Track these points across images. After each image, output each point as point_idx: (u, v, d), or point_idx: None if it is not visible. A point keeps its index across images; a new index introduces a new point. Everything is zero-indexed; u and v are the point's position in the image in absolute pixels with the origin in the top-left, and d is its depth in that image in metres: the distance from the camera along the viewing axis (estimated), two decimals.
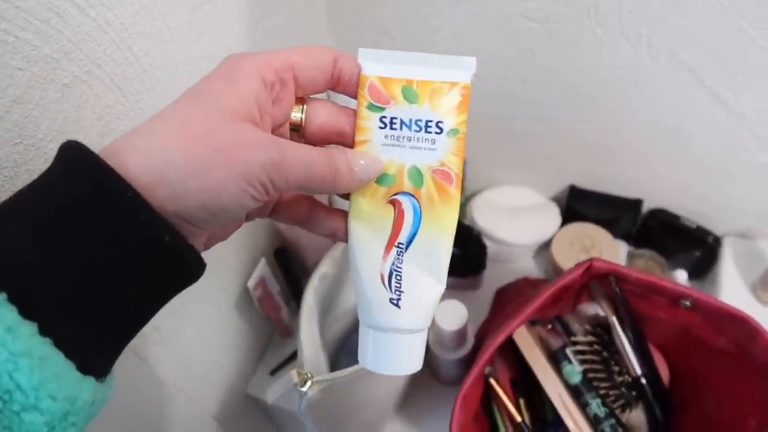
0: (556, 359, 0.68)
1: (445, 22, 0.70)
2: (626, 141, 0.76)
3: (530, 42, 0.68)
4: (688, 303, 0.58)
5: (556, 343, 0.71)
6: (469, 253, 0.82)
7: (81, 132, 0.42)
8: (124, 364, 0.32)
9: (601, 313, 0.70)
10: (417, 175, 0.30)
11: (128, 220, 0.24)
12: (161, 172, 0.24)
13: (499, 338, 0.56)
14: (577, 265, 0.60)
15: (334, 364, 0.74)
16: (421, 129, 0.30)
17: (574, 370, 0.66)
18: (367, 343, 0.33)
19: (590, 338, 0.70)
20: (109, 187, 0.23)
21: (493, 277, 0.88)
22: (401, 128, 0.29)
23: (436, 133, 0.30)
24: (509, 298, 0.84)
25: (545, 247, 0.89)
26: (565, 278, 0.59)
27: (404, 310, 0.31)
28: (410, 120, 0.29)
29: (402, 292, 0.31)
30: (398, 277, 0.31)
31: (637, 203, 0.84)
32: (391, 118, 0.29)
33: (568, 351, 0.68)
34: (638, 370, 0.65)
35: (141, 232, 0.24)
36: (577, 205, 0.86)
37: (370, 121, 0.29)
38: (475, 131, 0.85)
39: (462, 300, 0.87)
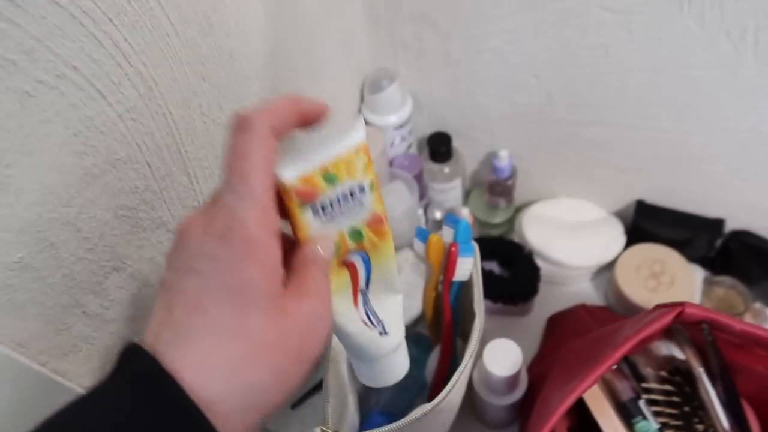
0: (626, 412, 0.57)
1: (503, 13, 0.59)
2: (713, 152, 0.64)
3: (605, 36, 0.57)
4: None
5: (624, 390, 0.60)
6: (519, 277, 0.72)
7: (49, 151, 0.33)
8: None
9: (680, 356, 0.60)
10: (357, 234, 0.34)
11: None
12: (244, 399, 0.25)
13: (565, 404, 0.46)
14: (661, 310, 0.50)
15: (364, 398, 0.65)
16: (348, 199, 0.32)
17: (650, 428, 0.56)
18: (368, 371, 0.39)
19: (667, 387, 0.59)
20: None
21: (545, 301, 0.78)
22: (332, 208, 0.32)
23: (360, 193, 0.33)
24: (566, 329, 0.74)
25: (606, 268, 0.78)
26: (649, 327, 0.48)
27: (391, 333, 0.37)
28: (338, 198, 0.32)
29: (382, 321, 0.37)
30: (373, 312, 0.37)
31: (718, 223, 0.72)
32: (321, 206, 0.31)
33: (641, 403, 0.57)
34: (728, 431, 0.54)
35: None
36: (646, 222, 0.75)
37: (305, 215, 0.31)
38: (530, 137, 0.76)
39: (509, 327, 0.78)
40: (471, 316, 0.56)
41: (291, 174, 0.29)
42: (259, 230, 0.26)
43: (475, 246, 0.57)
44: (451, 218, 0.56)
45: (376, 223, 0.34)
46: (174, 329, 0.25)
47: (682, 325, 0.55)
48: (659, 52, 0.56)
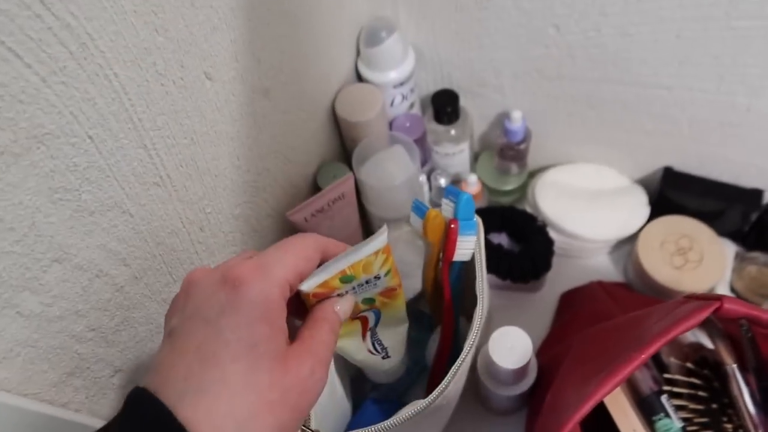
0: (647, 409, 0.52)
1: None
2: (757, 116, 0.56)
3: None
4: None
5: (644, 381, 0.55)
6: (530, 251, 0.65)
7: None
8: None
9: (709, 345, 0.54)
10: (369, 300, 0.39)
11: None
12: None
13: (582, 410, 0.41)
14: (695, 304, 0.43)
15: (359, 382, 0.60)
16: (363, 286, 0.36)
17: (673, 427, 0.51)
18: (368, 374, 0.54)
19: (693, 380, 0.53)
20: None
21: (558, 276, 0.71)
22: (347, 292, 0.36)
23: (375, 280, 0.37)
24: (582, 307, 0.67)
25: (627, 242, 0.71)
26: (679, 326, 0.42)
27: (393, 355, 0.45)
28: (353, 288, 0.36)
29: (386, 348, 0.44)
30: (379, 342, 0.43)
31: (755, 194, 0.65)
32: (338, 294, 0.35)
33: (664, 399, 0.52)
34: None
35: None
36: (673, 192, 0.68)
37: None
38: (546, 96, 0.67)
39: (518, 304, 0.72)
40: (474, 298, 0.49)
41: (309, 284, 0.33)
42: (272, 288, 0.29)
43: (479, 222, 0.49)
44: (451, 190, 0.49)
45: (389, 292, 0.39)
46: (188, 380, 0.26)
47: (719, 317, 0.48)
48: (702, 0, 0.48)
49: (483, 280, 0.49)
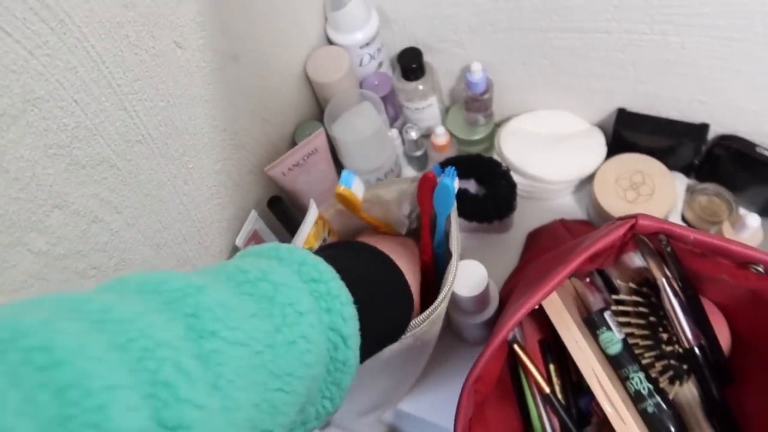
0: (591, 324, 0.58)
1: None
2: (691, 53, 0.60)
3: None
4: (760, 269, 0.46)
5: (595, 301, 0.61)
6: (495, 193, 0.71)
7: None
8: None
9: (647, 265, 0.59)
10: None
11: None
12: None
13: (521, 312, 0.47)
14: (617, 223, 0.49)
15: None
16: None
17: (614, 338, 0.57)
18: None
19: (635, 298, 0.59)
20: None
21: (525, 217, 0.77)
22: None
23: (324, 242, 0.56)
24: (543, 244, 0.73)
25: (588, 181, 0.76)
26: (601, 241, 0.47)
27: None
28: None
29: None
30: None
31: (702, 128, 0.69)
32: None
33: (607, 315, 0.58)
34: (692, 341, 0.54)
35: None
36: (627, 132, 0.72)
37: None
38: (502, 48, 0.72)
39: (489, 244, 0.78)
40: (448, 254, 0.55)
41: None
42: None
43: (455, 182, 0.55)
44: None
45: None
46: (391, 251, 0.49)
47: (647, 236, 0.54)
48: None
49: (456, 236, 0.55)
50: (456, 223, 0.56)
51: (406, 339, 0.50)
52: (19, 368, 0.20)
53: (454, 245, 0.54)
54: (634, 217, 0.47)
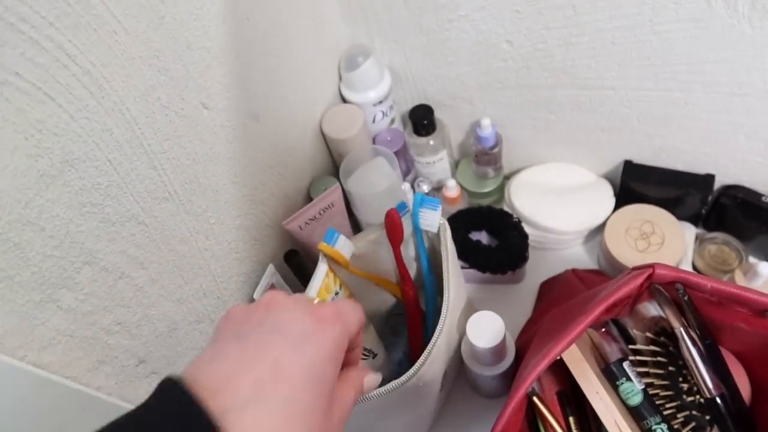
0: (611, 375, 0.58)
1: None
2: (695, 108, 0.63)
3: None
4: None
5: (612, 351, 0.61)
6: (508, 246, 0.72)
7: (2, 156, 0.34)
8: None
9: (664, 314, 0.60)
10: None
11: None
12: None
13: (542, 363, 0.47)
14: (634, 272, 0.50)
15: None
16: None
17: (634, 389, 0.56)
18: None
19: (653, 348, 0.59)
20: None
21: (537, 267, 0.78)
22: None
23: (336, 295, 0.53)
24: (556, 293, 0.74)
25: (598, 231, 0.77)
26: (620, 291, 0.48)
27: (378, 353, 0.55)
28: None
29: (371, 350, 0.57)
30: (366, 349, 0.57)
31: (708, 179, 0.71)
32: None
33: (626, 365, 0.58)
34: (713, 391, 0.54)
35: None
36: (634, 183, 0.74)
37: None
38: (511, 104, 0.75)
39: (502, 295, 0.78)
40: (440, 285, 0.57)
41: None
42: (344, 337, 0.32)
43: (444, 222, 0.57)
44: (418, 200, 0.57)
45: None
46: (257, 389, 0.27)
47: (663, 286, 0.55)
48: (627, 10, 0.55)
49: (451, 270, 0.56)
50: (451, 259, 0.57)
51: (411, 381, 0.50)
52: None
53: (446, 280, 0.55)
54: (651, 266, 0.48)
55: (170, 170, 0.49)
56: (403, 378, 0.49)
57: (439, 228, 0.57)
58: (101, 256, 0.43)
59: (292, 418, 0.27)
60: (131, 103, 0.43)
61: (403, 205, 0.57)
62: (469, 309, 0.66)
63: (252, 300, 0.63)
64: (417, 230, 0.58)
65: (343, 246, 0.55)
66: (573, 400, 0.62)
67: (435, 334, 0.51)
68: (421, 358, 0.50)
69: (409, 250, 0.63)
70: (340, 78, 0.74)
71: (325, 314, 0.31)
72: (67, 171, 0.39)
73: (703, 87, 0.60)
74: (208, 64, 0.51)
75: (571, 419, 0.61)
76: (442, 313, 0.52)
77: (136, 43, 0.42)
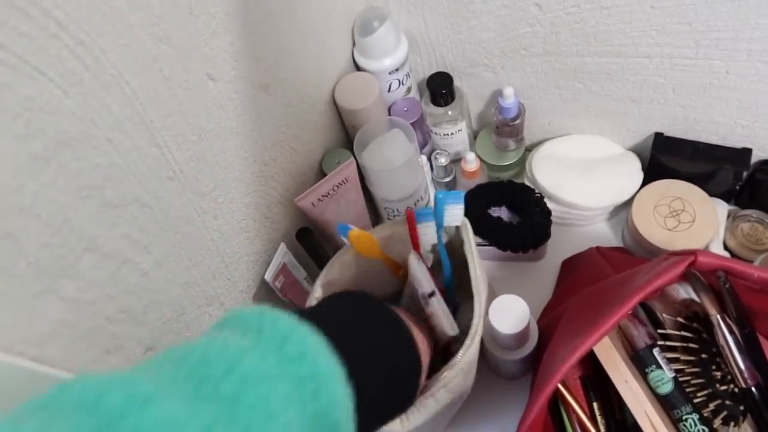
0: (640, 362, 0.55)
1: None
2: (736, 77, 0.58)
3: None
4: None
5: (640, 337, 0.58)
6: (530, 222, 0.69)
7: None
8: None
9: (698, 300, 0.57)
10: None
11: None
12: None
13: (576, 355, 0.44)
14: (672, 259, 0.46)
15: None
16: None
17: (665, 377, 0.54)
18: None
19: (684, 333, 0.56)
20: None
21: (559, 244, 0.74)
22: None
23: None
24: (580, 273, 0.71)
25: (623, 207, 0.74)
26: (658, 279, 0.45)
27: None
28: None
29: None
30: None
31: (745, 153, 0.67)
32: None
33: (656, 352, 0.55)
34: (749, 380, 0.51)
35: None
36: (665, 157, 0.70)
37: None
38: (536, 73, 0.70)
39: (522, 272, 0.75)
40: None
41: None
42: None
43: (467, 224, 0.54)
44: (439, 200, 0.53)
45: None
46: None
47: (700, 271, 0.51)
48: None
49: (478, 273, 0.52)
50: (477, 263, 0.53)
51: (442, 397, 0.48)
52: None
53: (480, 286, 0.52)
54: (693, 253, 0.45)
55: (175, 148, 0.45)
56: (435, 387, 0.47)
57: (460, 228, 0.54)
58: (103, 242, 0.40)
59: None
60: (130, 76, 0.39)
61: (426, 213, 0.53)
62: (491, 295, 0.63)
63: (262, 280, 0.61)
64: (439, 227, 0.55)
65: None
66: (597, 386, 0.60)
67: (467, 341, 0.49)
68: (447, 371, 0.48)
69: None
70: (354, 44, 0.70)
71: None
72: (62, 152, 0.35)
73: (749, 55, 0.55)
74: (214, 31, 0.46)
75: (594, 405, 0.59)
76: (474, 319, 0.49)
77: (134, 9, 0.38)
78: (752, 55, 0.55)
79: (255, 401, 0.27)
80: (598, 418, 0.59)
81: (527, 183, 0.76)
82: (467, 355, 0.48)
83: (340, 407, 0.31)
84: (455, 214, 0.53)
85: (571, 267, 0.73)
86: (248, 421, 0.26)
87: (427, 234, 0.54)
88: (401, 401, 0.42)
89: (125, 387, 0.25)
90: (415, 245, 0.55)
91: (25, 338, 0.36)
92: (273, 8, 0.54)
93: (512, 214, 0.73)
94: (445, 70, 0.72)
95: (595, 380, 0.61)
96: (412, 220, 0.52)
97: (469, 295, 0.53)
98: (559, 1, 0.58)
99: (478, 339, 0.50)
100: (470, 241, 0.53)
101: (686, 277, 0.54)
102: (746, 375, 0.51)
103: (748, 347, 0.51)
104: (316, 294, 0.54)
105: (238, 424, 0.26)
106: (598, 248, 0.73)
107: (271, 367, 0.29)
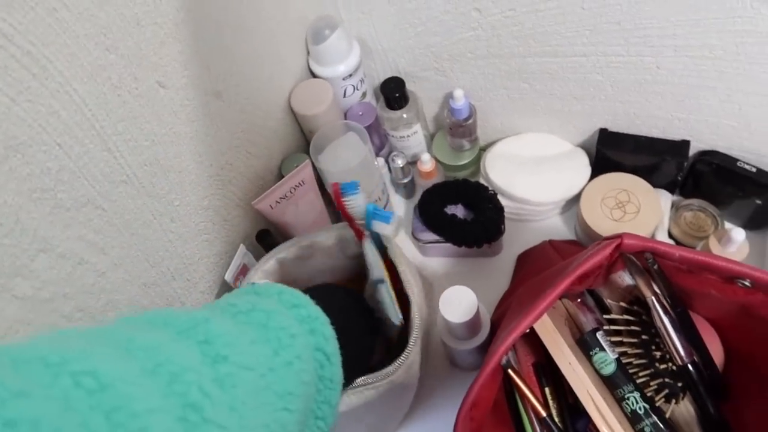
0: (584, 345, 0.58)
1: None
2: (667, 73, 0.62)
3: None
4: (747, 283, 0.46)
5: (587, 321, 0.61)
6: (483, 217, 0.71)
7: None
8: None
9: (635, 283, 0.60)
10: None
11: None
12: None
13: (512, 336, 0.47)
14: (603, 243, 0.49)
15: None
16: None
17: (607, 358, 0.57)
18: None
19: (627, 317, 0.59)
20: None
21: (514, 239, 0.77)
22: None
23: None
24: (532, 266, 0.74)
25: (574, 201, 0.77)
26: (588, 262, 0.48)
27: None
28: None
29: None
30: None
31: (683, 145, 0.70)
32: None
33: (599, 335, 0.58)
34: (685, 357, 0.54)
35: None
36: (610, 151, 0.73)
37: None
38: (483, 74, 0.73)
39: (479, 268, 0.78)
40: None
41: None
42: None
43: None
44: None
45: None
46: None
47: (635, 255, 0.54)
48: None
49: (406, 274, 0.56)
50: (404, 261, 0.57)
51: (382, 386, 0.50)
52: (71, 391, 0.22)
53: (412, 290, 0.55)
54: (620, 236, 0.48)
55: (127, 152, 0.47)
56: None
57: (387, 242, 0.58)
58: (57, 243, 0.42)
59: None
60: (78, 83, 0.41)
61: (351, 186, 0.56)
62: (428, 288, 0.66)
63: (223, 281, 0.63)
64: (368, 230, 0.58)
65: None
66: (549, 371, 0.62)
67: (410, 341, 0.52)
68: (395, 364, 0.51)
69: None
70: (308, 52, 0.73)
71: None
72: (12, 157, 0.37)
73: (674, 51, 0.59)
74: (162, 40, 0.49)
75: (546, 390, 0.61)
76: (412, 322, 0.53)
77: (80, 20, 0.40)
78: (678, 50, 0.58)
79: (279, 326, 0.35)
80: (551, 402, 0.61)
81: (482, 181, 0.79)
82: (411, 356, 0.51)
83: (330, 343, 0.39)
84: (383, 229, 0.56)
85: (525, 260, 0.76)
86: (278, 338, 0.34)
87: (355, 207, 0.56)
88: (361, 358, 0.51)
89: (185, 312, 0.32)
90: (346, 217, 0.57)
91: None
92: (222, 18, 0.57)
93: (467, 211, 0.75)
94: (398, 75, 0.75)
95: (547, 366, 0.63)
96: (337, 193, 0.55)
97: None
98: (497, 5, 0.61)
99: (417, 337, 0.52)
100: (392, 248, 0.57)
101: (625, 262, 0.57)
102: (682, 352, 0.54)
103: (682, 325, 0.54)
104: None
105: (271, 339, 0.34)
106: (551, 241, 0.76)
107: (280, 308, 0.38)
